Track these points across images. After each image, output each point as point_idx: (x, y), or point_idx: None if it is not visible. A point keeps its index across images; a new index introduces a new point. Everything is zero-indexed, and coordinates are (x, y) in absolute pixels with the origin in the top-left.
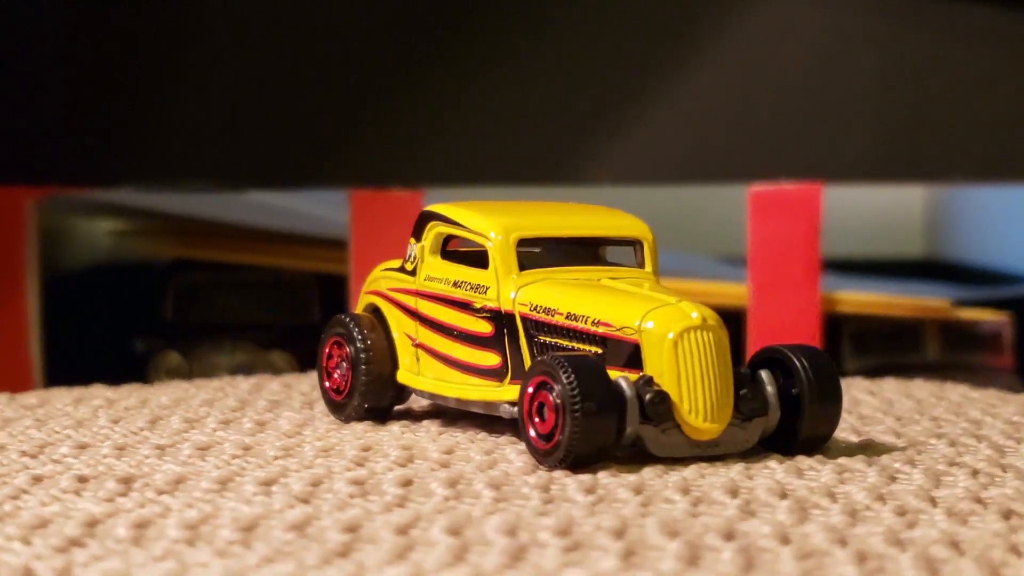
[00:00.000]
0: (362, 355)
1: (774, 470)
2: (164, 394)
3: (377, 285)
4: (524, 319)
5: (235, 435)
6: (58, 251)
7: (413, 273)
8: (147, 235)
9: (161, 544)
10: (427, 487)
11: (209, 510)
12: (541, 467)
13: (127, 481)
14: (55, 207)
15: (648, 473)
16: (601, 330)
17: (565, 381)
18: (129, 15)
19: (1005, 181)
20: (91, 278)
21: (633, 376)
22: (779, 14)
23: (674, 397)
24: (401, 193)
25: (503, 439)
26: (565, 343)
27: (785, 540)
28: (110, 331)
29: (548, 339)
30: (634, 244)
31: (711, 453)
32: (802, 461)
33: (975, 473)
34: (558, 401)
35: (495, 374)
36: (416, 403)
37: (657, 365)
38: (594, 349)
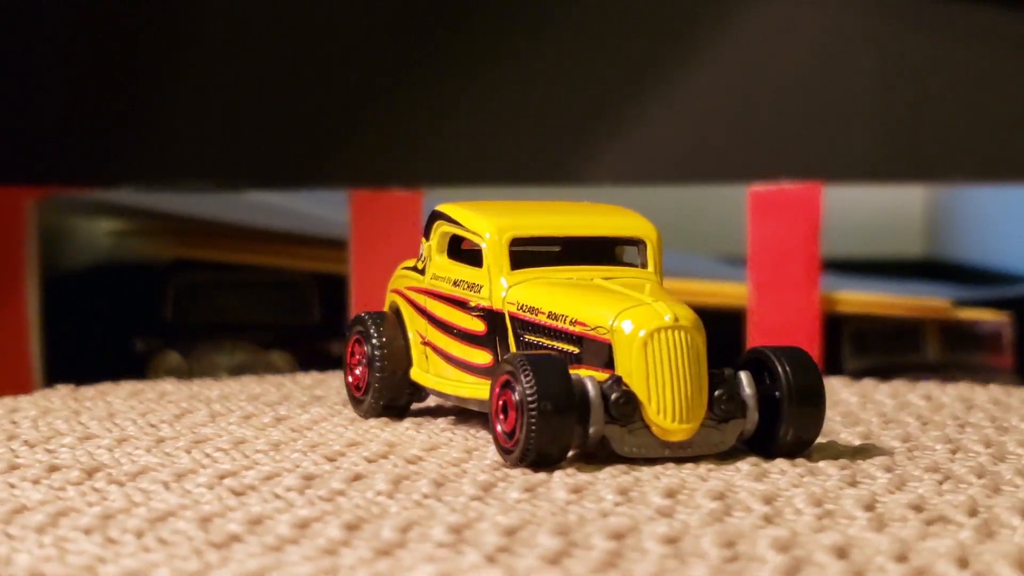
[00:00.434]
0: (377, 353)
1: (732, 473)
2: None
3: (397, 283)
4: (512, 318)
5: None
6: (58, 251)
7: (423, 272)
8: (147, 235)
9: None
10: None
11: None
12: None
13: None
14: (55, 207)
15: (595, 474)
16: (578, 329)
17: (524, 380)
18: (129, 15)
19: (1005, 181)
20: (91, 278)
21: (604, 376)
22: (779, 14)
23: (642, 397)
24: (401, 193)
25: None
26: (547, 342)
27: (670, 540)
28: (110, 331)
29: (533, 338)
30: (636, 244)
31: (682, 454)
32: (775, 464)
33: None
34: (517, 400)
35: (488, 372)
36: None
37: (627, 365)
38: (573, 348)
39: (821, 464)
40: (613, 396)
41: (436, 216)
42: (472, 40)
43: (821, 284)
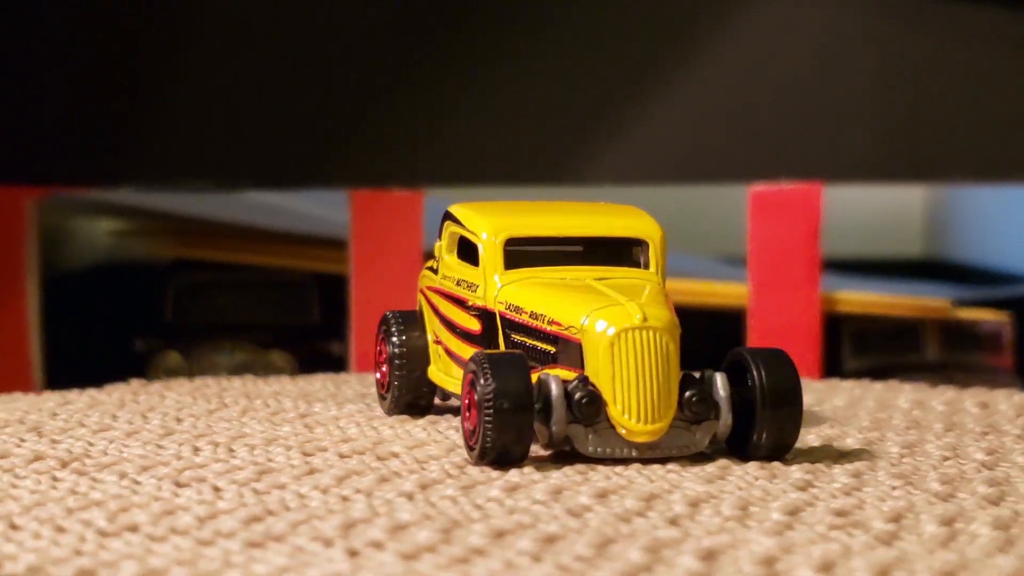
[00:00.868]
0: (396, 351)
1: (680, 476)
2: None
3: (421, 282)
4: (501, 317)
5: None
6: (58, 251)
7: (437, 272)
8: (147, 235)
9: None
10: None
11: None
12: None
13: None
14: (55, 207)
15: (547, 474)
16: (554, 329)
17: (482, 379)
18: (129, 15)
19: (1005, 181)
20: (91, 278)
21: (573, 375)
22: (779, 14)
23: (608, 397)
24: (401, 193)
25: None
26: (530, 342)
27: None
28: (110, 331)
29: (518, 338)
30: (637, 244)
31: (650, 455)
32: (735, 467)
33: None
34: (477, 398)
35: None
36: None
37: (594, 364)
38: (550, 348)
39: (789, 467)
40: (576, 396)
41: (446, 216)
42: (472, 40)
43: (821, 284)
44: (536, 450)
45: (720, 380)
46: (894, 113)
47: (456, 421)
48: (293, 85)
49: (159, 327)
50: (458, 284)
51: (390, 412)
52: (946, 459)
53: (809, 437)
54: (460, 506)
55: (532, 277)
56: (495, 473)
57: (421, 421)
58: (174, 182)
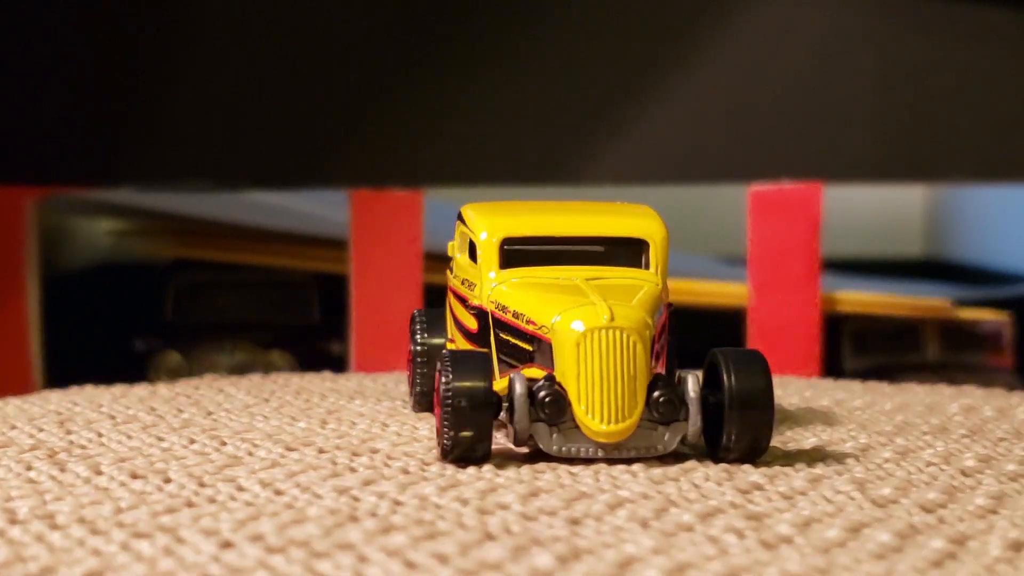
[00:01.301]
0: (416, 349)
1: (628, 477)
2: None
3: (448, 282)
4: (492, 316)
5: None
6: (58, 251)
7: (453, 272)
8: (147, 235)
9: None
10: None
11: None
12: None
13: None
14: (55, 207)
15: (497, 473)
16: (531, 328)
17: (443, 377)
18: (129, 15)
19: (1005, 181)
20: (91, 278)
21: (542, 373)
22: (779, 14)
23: (572, 397)
24: (401, 193)
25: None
26: (512, 341)
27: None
28: (110, 331)
29: (504, 336)
30: (637, 244)
31: (616, 456)
32: (696, 470)
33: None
34: (440, 396)
35: None
36: None
37: (561, 364)
38: (528, 347)
39: (754, 470)
40: (540, 395)
41: (457, 216)
42: (472, 40)
43: (821, 284)
44: (508, 447)
45: (692, 381)
46: (894, 113)
47: None
48: (293, 85)
49: (159, 327)
50: (463, 283)
51: (415, 409)
52: (903, 466)
53: (810, 439)
54: (387, 502)
55: (524, 277)
56: (450, 470)
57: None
58: (174, 182)
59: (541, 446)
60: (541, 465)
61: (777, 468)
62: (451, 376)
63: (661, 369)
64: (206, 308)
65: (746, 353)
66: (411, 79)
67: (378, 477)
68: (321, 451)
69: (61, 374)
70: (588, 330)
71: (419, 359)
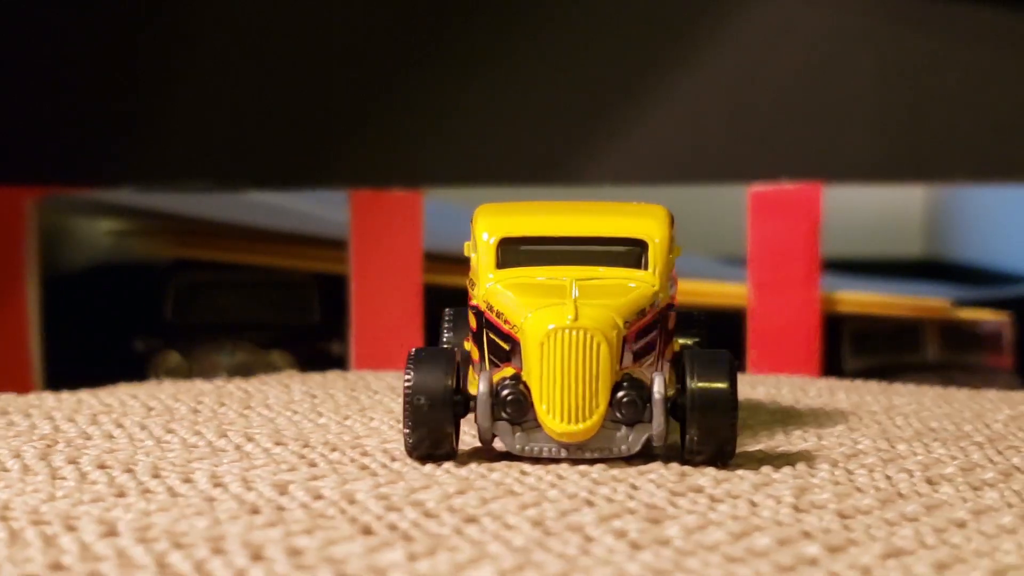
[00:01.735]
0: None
1: (578, 478)
2: None
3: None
4: (483, 316)
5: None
6: (58, 251)
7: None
8: (147, 235)
9: None
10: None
11: None
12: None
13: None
14: (55, 207)
15: (452, 473)
16: (507, 327)
17: (405, 375)
18: (129, 15)
19: (1005, 181)
20: (91, 278)
21: (510, 373)
22: (779, 14)
23: (535, 396)
24: (401, 193)
25: None
26: (496, 340)
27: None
28: (110, 331)
29: (491, 335)
30: (637, 245)
31: (579, 456)
32: (649, 472)
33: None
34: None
35: (477, 368)
36: None
37: (527, 363)
38: (506, 346)
39: (706, 472)
40: (502, 394)
41: (472, 217)
42: (472, 40)
43: (821, 284)
44: (474, 444)
45: (659, 381)
46: (894, 113)
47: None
48: (293, 85)
49: (159, 327)
50: (469, 283)
51: None
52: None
53: (801, 444)
54: (327, 500)
55: (518, 277)
56: (407, 468)
57: None
58: (174, 182)
59: (505, 445)
60: (501, 463)
61: (744, 472)
62: (412, 374)
63: (648, 370)
64: (206, 308)
65: (712, 354)
66: (411, 79)
67: (348, 476)
68: (306, 446)
69: (61, 374)
70: (552, 330)
71: None
